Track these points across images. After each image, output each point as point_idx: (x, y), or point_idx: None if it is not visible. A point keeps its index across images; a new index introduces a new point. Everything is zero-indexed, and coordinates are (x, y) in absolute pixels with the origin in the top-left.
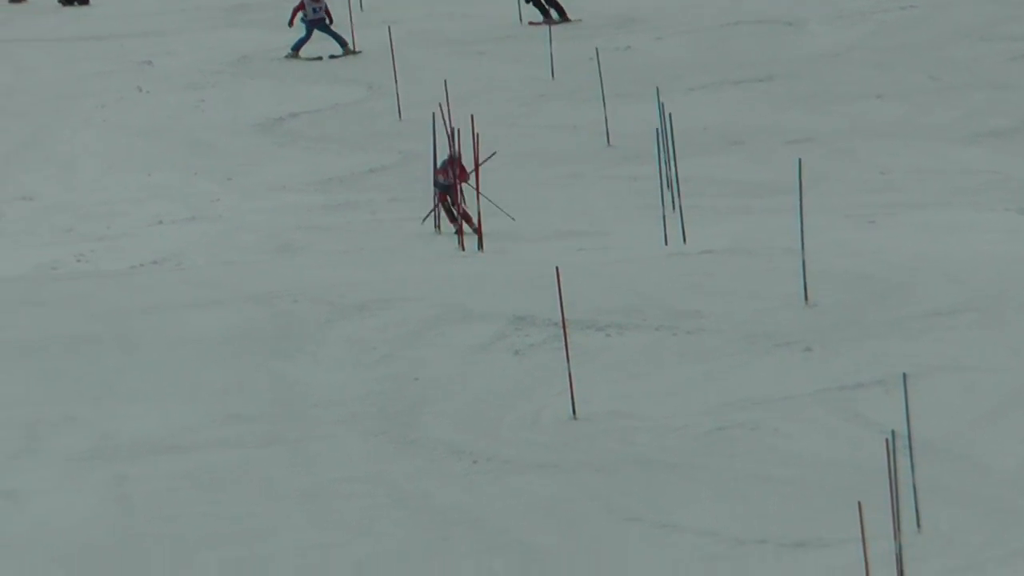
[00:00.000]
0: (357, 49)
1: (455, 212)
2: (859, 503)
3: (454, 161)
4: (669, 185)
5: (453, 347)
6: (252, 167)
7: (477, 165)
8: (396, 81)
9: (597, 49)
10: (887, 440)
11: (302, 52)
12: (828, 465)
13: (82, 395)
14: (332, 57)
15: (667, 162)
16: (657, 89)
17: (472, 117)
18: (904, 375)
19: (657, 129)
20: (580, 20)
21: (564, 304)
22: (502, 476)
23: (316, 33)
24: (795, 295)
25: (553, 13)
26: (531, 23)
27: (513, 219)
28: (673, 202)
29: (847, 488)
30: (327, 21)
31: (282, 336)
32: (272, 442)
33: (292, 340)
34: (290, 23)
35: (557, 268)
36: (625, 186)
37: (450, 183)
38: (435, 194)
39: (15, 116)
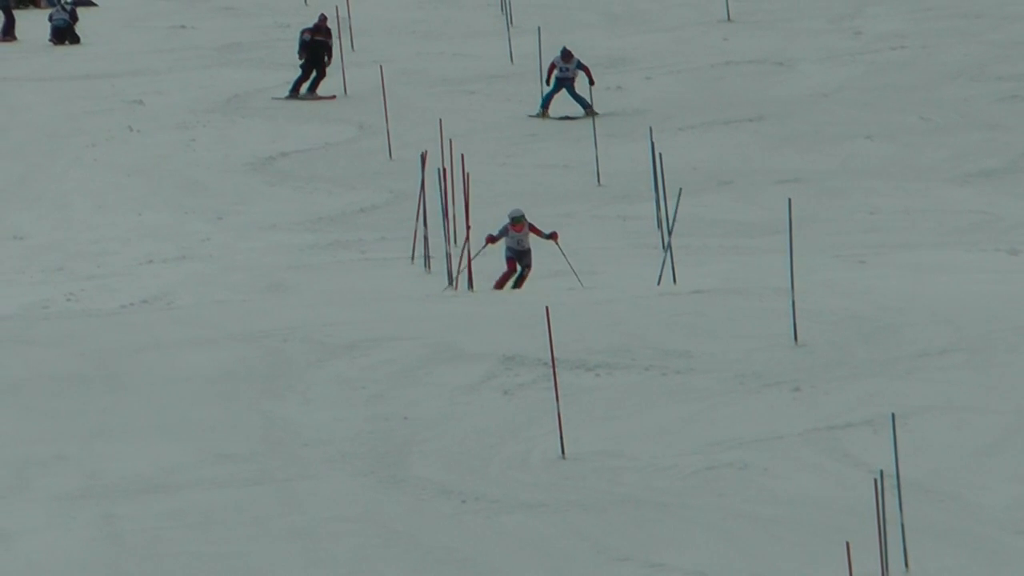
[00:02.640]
0: (599, 111)
1: (521, 277)
2: (847, 543)
3: (526, 224)
4: (660, 225)
5: (443, 387)
6: (243, 206)
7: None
8: (387, 120)
9: (590, 87)
10: (875, 480)
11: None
12: (817, 505)
13: (72, 434)
14: (568, 118)
15: (658, 202)
16: (651, 129)
17: (463, 156)
18: (892, 415)
19: (653, 169)
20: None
21: (554, 344)
22: (491, 516)
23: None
24: (785, 335)
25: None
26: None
27: (583, 285)
28: (664, 242)
29: (835, 528)
30: (576, 83)
31: (272, 375)
32: (262, 481)
33: (282, 379)
34: (547, 80)
35: (547, 308)
36: (616, 226)
37: (525, 251)
38: (507, 260)
39: (6, 155)
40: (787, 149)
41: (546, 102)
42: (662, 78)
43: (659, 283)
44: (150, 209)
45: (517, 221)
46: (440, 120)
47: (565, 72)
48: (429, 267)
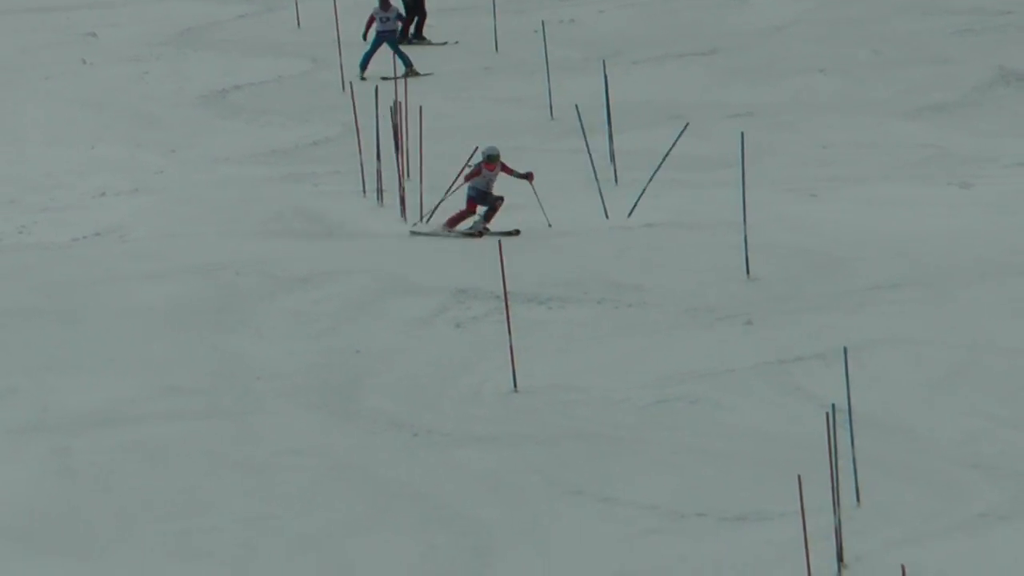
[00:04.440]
0: (426, 72)
1: (486, 216)
2: (799, 477)
3: (495, 161)
4: (612, 159)
5: (395, 320)
6: (196, 139)
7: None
8: (340, 53)
9: (543, 22)
10: (827, 413)
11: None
12: (768, 438)
13: (24, 367)
14: (403, 75)
15: (611, 136)
16: (604, 62)
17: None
18: (844, 348)
19: (607, 102)
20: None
21: (506, 277)
22: (443, 449)
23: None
24: (737, 269)
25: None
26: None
27: (550, 225)
28: (616, 176)
29: (787, 461)
30: (397, 35)
31: (225, 309)
32: (214, 415)
33: (234, 313)
34: (364, 35)
35: (499, 241)
36: (568, 159)
37: (489, 191)
38: (468, 199)
39: None
40: (740, 83)
41: (365, 61)
42: (615, 11)
43: (608, 217)
44: (103, 142)
45: (491, 159)
46: (392, 53)
47: (386, 24)
48: (382, 201)
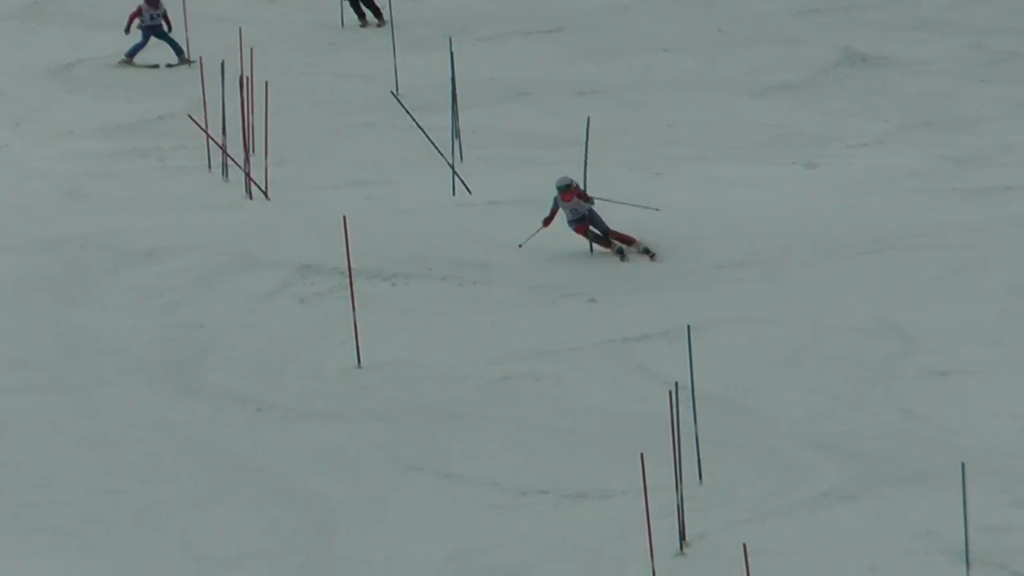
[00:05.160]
0: (192, 59)
1: (606, 236)
2: (641, 454)
3: (575, 190)
4: (455, 136)
5: (239, 295)
6: (41, 113)
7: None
8: (187, 28)
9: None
10: (670, 392)
11: (136, 59)
12: (611, 416)
13: None
14: (169, 66)
15: (454, 113)
16: (450, 39)
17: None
18: (688, 327)
19: (452, 79)
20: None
21: (351, 253)
22: (286, 424)
23: (153, 40)
24: (581, 246)
25: (369, 15)
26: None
27: (658, 209)
28: (460, 153)
29: (630, 439)
30: (165, 28)
31: (68, 282)
32: (57, 388)
33: (78, 286)
34: (126, 29)
35: (344, 217)
36: (414, 136)
37: (584, 213)
38: (576, 228)
39: None
40: (586, 61)
41: (133, 52)
42: None
43: (454, 194)
44: None
45: (564, 189)
46: (240, 28)
47: (154, 20)
48: (227, 176)
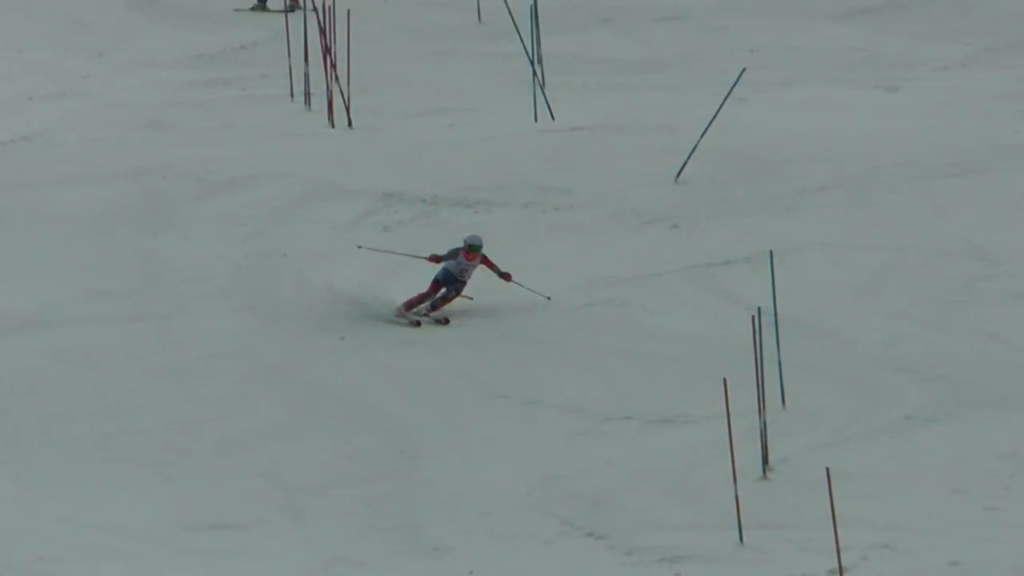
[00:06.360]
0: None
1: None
2: (724, 380)
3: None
4: (537, 62)
5: (322, 223)
6: (123, 43)
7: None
8: None
9: None
10: (753, 317)
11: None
12: (694, 342)
13: None
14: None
15: (535, 39)
16: None
17: None
18: (771, 252)
19: (531, 5)
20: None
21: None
22: (370, 352)
23: None
24: (665, 172)
25: None
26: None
27: (548, 298)
28: (543, 79)
29: (713, 365)
30: None
31: (151, 213)
32: (141, 318)
33: (161, 216)
34: None
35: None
36: (495, 63)
37: (466, 281)
38: (432, 281)
39: None
40: None
41: None
42: None
43: (536, 120)
44: (31, 46)
45: (474, 250)
46: None
47: None
48: (309, 104)
